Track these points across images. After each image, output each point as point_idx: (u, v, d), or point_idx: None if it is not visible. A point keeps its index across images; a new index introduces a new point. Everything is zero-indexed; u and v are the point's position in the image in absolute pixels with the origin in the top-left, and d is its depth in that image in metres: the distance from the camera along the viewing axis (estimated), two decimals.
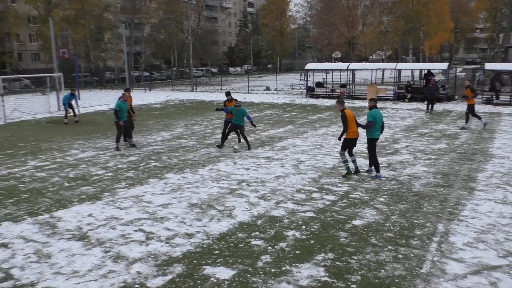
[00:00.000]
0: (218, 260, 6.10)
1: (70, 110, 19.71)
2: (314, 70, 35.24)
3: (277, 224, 7.37)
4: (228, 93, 14.59)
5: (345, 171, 10.26)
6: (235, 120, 13.24)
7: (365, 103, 26.06)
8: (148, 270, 5.85)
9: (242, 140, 13.80)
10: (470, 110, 16.74)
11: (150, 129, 17.94)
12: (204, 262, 6.06)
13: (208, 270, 5.83)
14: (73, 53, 43.01)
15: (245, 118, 13.27)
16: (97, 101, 30.32)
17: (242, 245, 6.57)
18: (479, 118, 16.81)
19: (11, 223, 7.60)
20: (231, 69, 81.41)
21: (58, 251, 6.46)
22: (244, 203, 8.48)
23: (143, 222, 7.55)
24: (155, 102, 29.99)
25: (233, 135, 14.62)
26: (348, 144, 10.05)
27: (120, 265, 6.01)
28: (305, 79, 33.45)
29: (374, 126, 9.88)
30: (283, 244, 6.58)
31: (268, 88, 38.85)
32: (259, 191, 9.24)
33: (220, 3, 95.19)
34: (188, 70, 61.94)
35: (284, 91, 36.74)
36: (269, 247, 6.49)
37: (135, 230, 7.21)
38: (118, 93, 37.59)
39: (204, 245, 6.60)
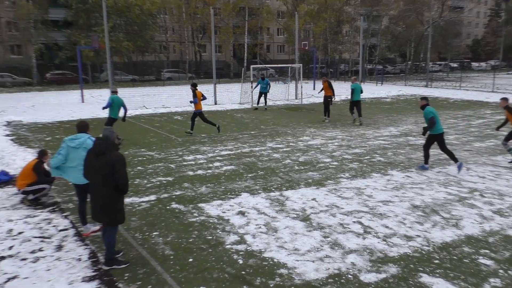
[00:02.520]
0: (437, 271, 5.72)
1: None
2: None
3: None
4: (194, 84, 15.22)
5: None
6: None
7: None
8: (362, 264, 5.91)
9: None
10: None
11: (377, 123, 17.82)
12: (421, 269, 5.77)
13: (425, 278, 5.53)
14: (312, 45, 45.77)
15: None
16: None
17: (467, 261, 5.98)
18: None
19: (249, 195, 8.73)
20: (474, 64, 73.30)
21: (283, 227, 7.11)
22: (475, 214, 7.66)
23: (362, 215, 7.63)
24: (386, 96, 29.53)
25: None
26: None
27: (337, 252, 6.24)
28: None
29: (438, 122, 10.16)
30: None
31: None
32: (495, 204, 8.19)
33: None
34: (424, 64, 58.72)
35: None
36: (501, 270, 5.72)
37: (354, 222, 7.35)
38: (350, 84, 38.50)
39: (423, 251, 6.27)
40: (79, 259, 6.05)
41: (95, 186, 5.60)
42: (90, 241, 6.65)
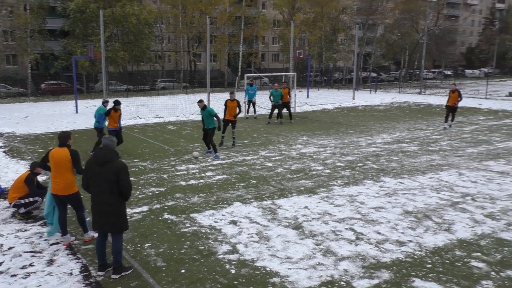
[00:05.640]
0: (430, 275, 5.72)
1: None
2: None
3: (505, 249, 6.45)
4: (117, 102, 13.35)
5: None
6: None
7: None
8: (355, 270, 5.90)
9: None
10: None
11: (371, 130, 17.88)
12: (414, 273, 5.78)
13: (418, 283, 5.53)
14: (307, 54, 45.98)
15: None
16: (324, 100, 31.75)
17: (460, 264, 5.99)
18: None
19: (241, 204, 8.70)
20: (467, 71, 73.70)
21: (276, 236, 7.10)
22: (467, 219, 7.69)
23: (355, 222, 7.63)
24: (379, 104, 29.64)
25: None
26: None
27: (329, 259, 6.23)
28: None
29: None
30: (510, 272, 5.73)
31: (511, 94, 33.90)
32: (486, 208, 8.23)
33: (465, 0, 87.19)
34: (418, 72, 59.10)
35: None
36: (493, 273, 5.74)
37: (346, 228, 7.35)
38: (344, 92, 38.60)
39: (415, 256, 6.28)
40: (71, 274, 5.99)
41: (101, 194, 5.69)
42: (82, 254, 6.59)
